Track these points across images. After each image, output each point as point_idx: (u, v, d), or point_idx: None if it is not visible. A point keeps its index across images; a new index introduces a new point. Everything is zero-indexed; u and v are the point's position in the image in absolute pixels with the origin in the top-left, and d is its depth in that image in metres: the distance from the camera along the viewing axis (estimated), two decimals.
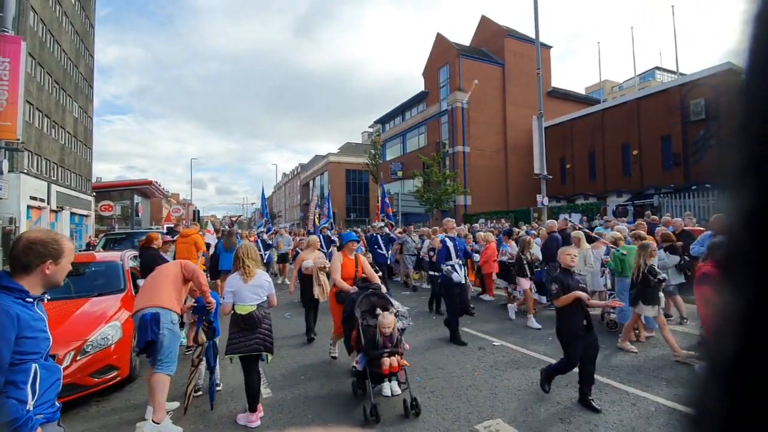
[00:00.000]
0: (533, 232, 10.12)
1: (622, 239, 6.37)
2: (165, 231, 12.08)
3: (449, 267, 5.99)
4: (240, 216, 60.58)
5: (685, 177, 18.75)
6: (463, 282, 6.14)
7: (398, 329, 4.04)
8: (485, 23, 31.98)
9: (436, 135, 29.43)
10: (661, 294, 5.43)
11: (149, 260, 5.88)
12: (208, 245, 8.76)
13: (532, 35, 15.02)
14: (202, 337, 3.96)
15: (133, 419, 3.72)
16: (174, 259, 7.31)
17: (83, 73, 30.37)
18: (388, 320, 3.93)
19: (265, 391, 4.25)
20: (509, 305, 7.60)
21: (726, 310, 0.27)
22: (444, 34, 34.96)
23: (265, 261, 10.65)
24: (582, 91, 46.63)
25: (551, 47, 31.87)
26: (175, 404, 3.93)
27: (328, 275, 6.14)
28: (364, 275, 4.93)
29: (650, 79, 52.72)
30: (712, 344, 0.28)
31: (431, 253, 8.47)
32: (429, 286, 10.80)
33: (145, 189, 41.36)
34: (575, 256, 4.10)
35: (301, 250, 8.53)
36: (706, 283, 4.63)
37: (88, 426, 3.68)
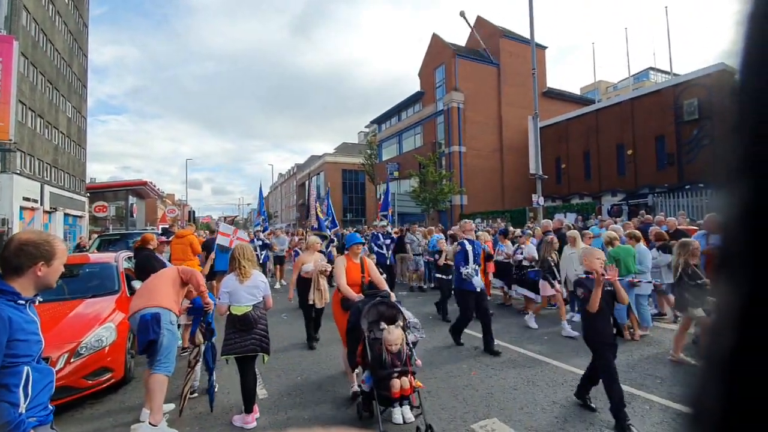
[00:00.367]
0: (528, 232, 10.16)
1: (617, 239, 6.41)
2: (160, 232, 11.99)
3: (469, 271, 5.57)
4: (236, 216, 60.30)
5: (679, 177, 18.91)
6: (480, 289, 5.71)
7: (410, 343, 3.63)
8: (481, 23, 32.08)
9: (431, 135, 29.52)
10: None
11: (144, 261, 5.84)
12: (208, 246, 8.60)
13: (528, 36, 15.08)
14: (200, 338, 3.95)
15: (127, 421, 3.69)
16: (170, 260, 7.26)
17: (77, 73, 30.16)
18: (394, 336, 3.47)
19: (261, 392, 4.24)
20: (526, 316, 7.01)
21: (722, 310, 0.28)
22: (441, 34, 35.10)
23: (261, 261, 10.57)
24: (577, 92, 46.86)
25: (546, 48, 32.11)
26: (171, 406, 3.91)
27: (329, 280, 5.95)
28: (371, 280, 4.39)
29: (644, 80, 53.13)
30: (709, 343, 0.29)
31: (437, 256, 8.20)
32: (427, 287, 10.87)
33: (140, 189, 41.08)
34: (604, 260, 3.79)
35: (301, 250, 8.41)
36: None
37: (81, 429, 3.65)
